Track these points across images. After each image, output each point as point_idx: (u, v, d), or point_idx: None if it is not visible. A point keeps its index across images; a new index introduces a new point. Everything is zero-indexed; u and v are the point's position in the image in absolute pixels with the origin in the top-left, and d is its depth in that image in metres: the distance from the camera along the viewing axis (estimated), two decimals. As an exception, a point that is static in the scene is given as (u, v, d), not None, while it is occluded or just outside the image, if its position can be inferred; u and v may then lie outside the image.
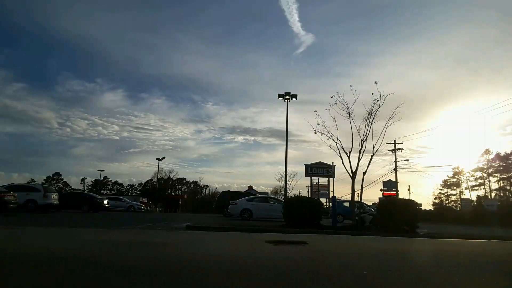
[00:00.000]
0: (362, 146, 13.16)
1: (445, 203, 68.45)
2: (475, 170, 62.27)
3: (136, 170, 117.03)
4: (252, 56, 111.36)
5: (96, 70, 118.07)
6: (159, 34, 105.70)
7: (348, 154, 13.25)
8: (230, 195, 26.65)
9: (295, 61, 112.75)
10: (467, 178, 65.68)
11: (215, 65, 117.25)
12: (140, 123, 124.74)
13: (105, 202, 25.94)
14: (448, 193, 69.72)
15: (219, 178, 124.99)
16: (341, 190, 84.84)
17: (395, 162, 40.02)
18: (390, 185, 37.41)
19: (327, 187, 36.48)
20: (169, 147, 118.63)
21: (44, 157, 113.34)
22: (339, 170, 34.50)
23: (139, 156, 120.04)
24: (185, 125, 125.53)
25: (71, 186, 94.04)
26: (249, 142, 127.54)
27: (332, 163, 28.10)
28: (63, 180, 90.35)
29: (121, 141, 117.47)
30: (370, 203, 25.87)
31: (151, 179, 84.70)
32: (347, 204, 21.69)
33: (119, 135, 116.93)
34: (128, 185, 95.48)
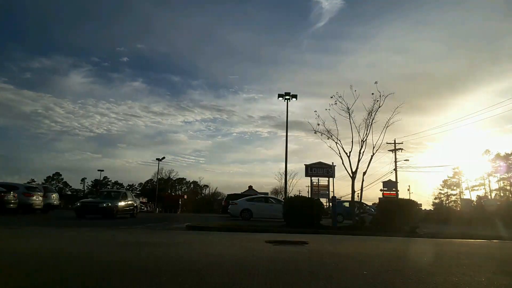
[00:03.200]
0: (362, 146, 13.17)
1: (445, 203, 68.50)
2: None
3: (125, 167, 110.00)
4: (240, 30, 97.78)
5: (47, 43, 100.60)
6: (123, 3, 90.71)
7: (348, 154, 13.26)
8: (234, 197, 26.67)
9: (294, 40, 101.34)
10: (467, 178, 65.75)
11: (195, 41, 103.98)
12: (122, 112, 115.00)
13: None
14: (448, 193, 69.81)
15: (218, 177, 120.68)
16: (342, 188, 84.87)
17: (395, 162, 40.01)
18: (390, 185, 37.37)
19: (327, 187, 36.43)
20: (159, 142, 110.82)
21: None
22: (340, 168, 34.38)
23: (127, 151, 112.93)
24: (171, 116, 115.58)
25: (71, 186, 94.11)
26: (244, 135, 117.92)
27: (332, 163, 28.06)
28: (63, 180, 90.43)
29: (107, 135, 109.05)
30: (370, 203, 25.91)
31: (151, 179, 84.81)
32: (347, 204, 21.69)
33: (102, 128, 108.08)
34: (128, 185, 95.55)
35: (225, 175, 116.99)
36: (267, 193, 45.01)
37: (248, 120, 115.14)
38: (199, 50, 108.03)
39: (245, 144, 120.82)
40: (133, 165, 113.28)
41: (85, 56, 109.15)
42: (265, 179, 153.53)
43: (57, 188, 76.47)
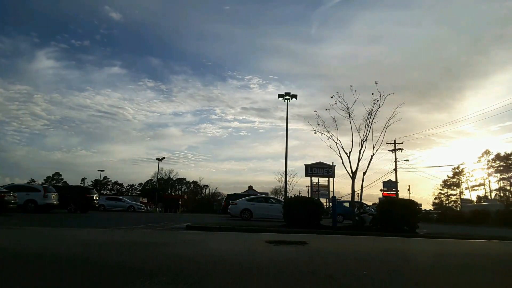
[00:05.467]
0: (362, 146, 13.16)
1: (445, 203, 68.50)
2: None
3: (120, 165, 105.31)
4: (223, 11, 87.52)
5: (3, 17, 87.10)
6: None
7: (348, 154, 13.24)
8: (234, 197, 26.65)
9: (298, 23, 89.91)
10: (467, 178, 65.75)
11: (174, 13, 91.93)
12: (105, 104, 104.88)
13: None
14: (448, 193, 69.79)
15: (216, 175, 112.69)
16: (344, 187, 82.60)
17: (395, 162, 40.01)
18: (390, 185, 37.44)
19: (327, 187, 36.47)
20: (150, 137, 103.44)
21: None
22: (340, 167, 34.38)
23: (118, 148, 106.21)
24: (159, 108, 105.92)
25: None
26: (239, 131, 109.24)
27: (332, 163, 28.11)
28: (63, 180, 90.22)
29: (93, 130, 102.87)
30: (370, 203, 25.95)
31: (151, 179, 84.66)
32: (347, 204, 21.70)
33: (88, 122, 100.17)
34: (128, 185, 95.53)
35: (224, 173, 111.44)
36: (267, 193, 45.06)
37: (244, 113, 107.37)
38: (180, 25, 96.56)
39: (242, 140, 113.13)
40: (128, 164, 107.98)
41: (52, 34, 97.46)
42: (266, 178, 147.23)
43: (57, 188, 76.07)
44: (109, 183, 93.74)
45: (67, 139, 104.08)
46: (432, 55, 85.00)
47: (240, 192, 38.05)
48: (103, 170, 69.71)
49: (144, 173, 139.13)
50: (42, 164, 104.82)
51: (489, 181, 62.51)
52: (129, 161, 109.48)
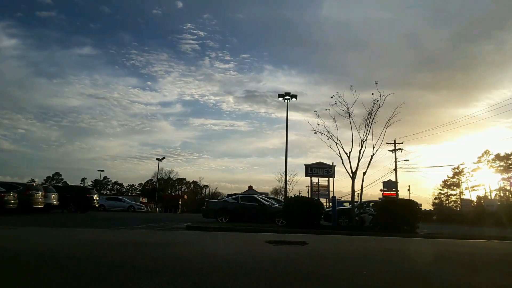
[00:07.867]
0: (362, 146, 13.16)
1: (445, 203, 68.46)
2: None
3: (114, 164, 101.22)
4: None
5: None
6: None
7: (348, 154, 13.25)
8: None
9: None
10: (467, 178, 65.72)
11: None
12: (85, 94, 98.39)
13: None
14: (448, 193, 69.75)
15: (213, 174, 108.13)
16: (344, 185, 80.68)
17: (395, 162, 39.98)
18: (390, 185, 37.35)
19: (327, 187, 36.38)
20: (140, 132, 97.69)
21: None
22: (340, 165, 34.18)
23: (105, 143, 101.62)
24: (144, 99, 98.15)
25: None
26: (233, 126, 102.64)
27: (332, 163, 28.02)
28: (63, 180, 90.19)
29: (77, 125, 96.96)
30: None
31: (151, 179, 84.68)
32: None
33: (69, 116, 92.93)
34: (128, 185, 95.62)
35: (222, 172, 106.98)
36: (267, 193, 44.98)
37: (238, 104, 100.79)
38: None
39: (238, 134, 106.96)
40: (120, 162, 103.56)
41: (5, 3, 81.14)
42: (266, 176, 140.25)
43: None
44: (109, 183, 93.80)
45: (53, 134, 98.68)
46: (432, 44, 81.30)
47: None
48: (102, 170, 69.78)
49: (138, 170, 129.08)
50: (33, 162, 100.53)
51: (489, 181, 62.52)
52: (121, 158, 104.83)
